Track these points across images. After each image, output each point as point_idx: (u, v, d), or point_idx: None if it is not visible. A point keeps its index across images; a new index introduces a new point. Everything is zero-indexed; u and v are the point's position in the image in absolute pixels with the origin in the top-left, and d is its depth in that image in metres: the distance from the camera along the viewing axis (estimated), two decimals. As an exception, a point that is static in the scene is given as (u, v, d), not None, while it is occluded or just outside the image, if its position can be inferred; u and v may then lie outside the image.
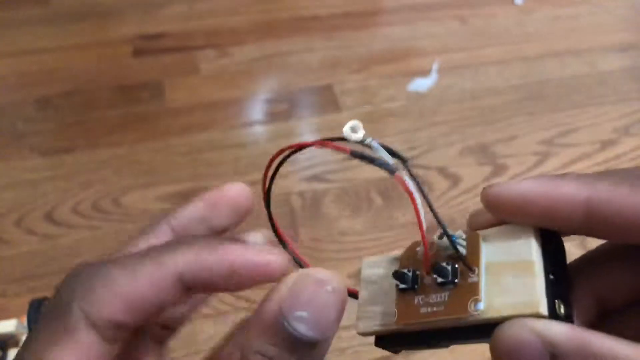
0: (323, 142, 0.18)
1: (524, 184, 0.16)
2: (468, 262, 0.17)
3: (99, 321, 0.15)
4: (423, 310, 0.17)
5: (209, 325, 0.48)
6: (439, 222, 0.18)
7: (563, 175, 0.17)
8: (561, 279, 0.17)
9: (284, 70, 0.77)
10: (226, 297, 0.50)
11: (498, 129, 0.68)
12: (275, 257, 0.17)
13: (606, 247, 0.19)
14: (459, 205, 0.58)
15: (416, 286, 0.18)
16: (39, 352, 0.15)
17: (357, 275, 0.52)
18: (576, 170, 0.62)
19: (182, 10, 0.87)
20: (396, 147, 0.67)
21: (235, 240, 0.18)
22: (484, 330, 0.16)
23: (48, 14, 0.85)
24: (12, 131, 0.67)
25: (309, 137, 0.67)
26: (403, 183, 0.18)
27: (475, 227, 0.19)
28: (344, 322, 0.54)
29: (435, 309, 0.17)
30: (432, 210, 0.18)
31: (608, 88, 0.74)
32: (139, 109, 0.70)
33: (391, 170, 0.18)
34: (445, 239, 0.18)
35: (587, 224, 0.16)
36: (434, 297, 0.17)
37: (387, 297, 0.19)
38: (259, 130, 0.68)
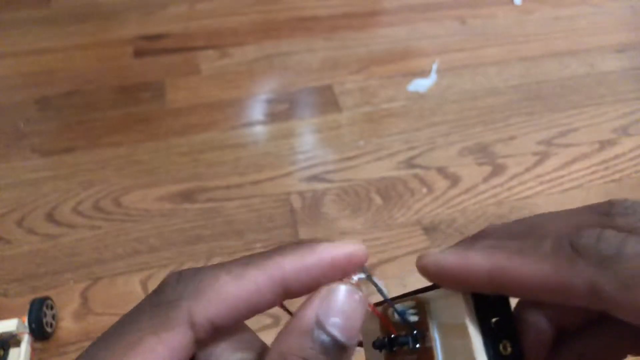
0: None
1: (442, 258, 0.19)
2: (420, 329, 0.20)
3: (200, 320, 0.17)
4: None
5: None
6: (391, 305, 0.20)
7: (474, 243, 0.19)
8: (506, 320, 0.19)
9: (284, 71, 0.77)
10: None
11: (497, 129, 0.68)
12: (360, 245, 0.19)
13: None
14: (459, 205, 0.59)
15: (395, 348, 0.21)
16: (136, 334, 0.16)
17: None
18: (575, 171, 0.63)
19: (182, 11, 0.87)
20: (396, 147, 0.66)
21: (319, 240, 0.19)
22: None
23: (49, 15, 0.86)
24: (13, 131, 0.67)
25: (309, 138, 0.67)
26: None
27: (428, 280, 0.21)
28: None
29: None
30: (381, 293, 0.20)
31: (607, 88, 0.74)
32: (139, 109, 0.70)
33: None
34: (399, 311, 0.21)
35: (494, 289, 0.18)
36: (408, 359, 0.20)
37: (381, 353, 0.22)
38: (259, 130, 0.68)
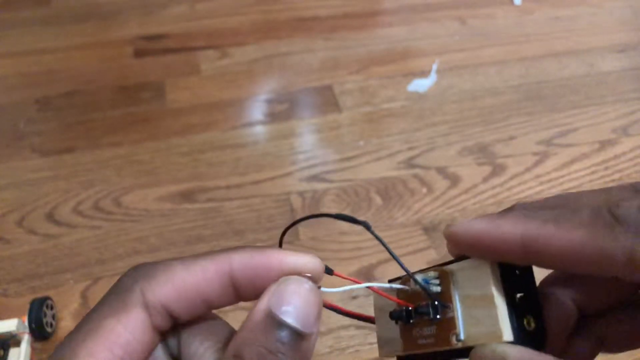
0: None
1: (472, 224, 0.19)
2: (443, 300, 0.20)
3: (152, 302, 0.18)
4: (420, 341, 0.21)
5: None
6: (410, 276, 0.20)
7: (506, 214, 0.19)
8: (531, 295, 0.19)
9: (284, 71, 0.77)
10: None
11: (497, 129, 0.68)
12: (314, 257, 0.19)
13: None
14: (459, 205, 0.59)
15: (412, 320, 0.21)
16: (96, 321, 0.17)
17: (356, 275, 0.52)
18: (575, 171, 0.63)
19: (183, 11, 0.87)
20: (396, 147, 0.66)
21: (279, 248, 0.20)
22: (467, 352, 0.19)
23: (49, 15, 0.86)
24: (13, 131, 0.67)
25: (309, 138, 0.67)
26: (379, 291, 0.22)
27: (451, 253, 0.21)
28: (343, 322, 0.54)
29: (428, 340, 0.20)
30: (401, 265, 0.20)
31: (607, 88, 0.74)
32: (139, 109, 0.70)
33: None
34: (421, 282, 0.21)
35: (525, 258, 0.18)
36: (426, 330, 0.21)
37: (395, 325, 0.22)
38: (259, 130, 0.68)
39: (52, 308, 0.48)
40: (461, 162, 0.64)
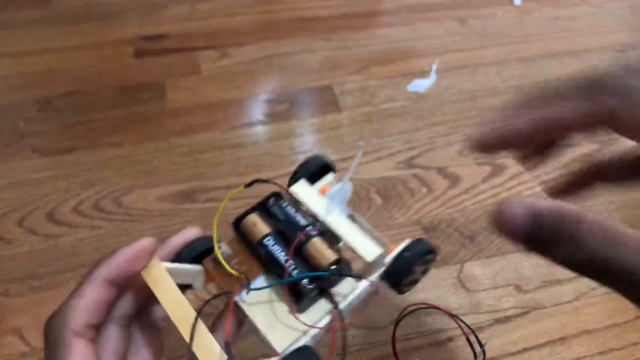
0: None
1: None
2: None
3: (77, 327, 0.27)
4: None
5: (209, 324, 0.48)
6: None
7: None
8: None
9: (284, 71, 0.77)
10: (227, 296, 0.50)
11: (497, 129, 0.68)
12: (146, 239, 0.30)
13: None
14: (459, 205, 0.59)
15: None
16: None
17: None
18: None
19: (183, 11, 0.87)
20: (396, 147, 0.66)
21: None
22: None
23: (49, 15, 0.86)
24: (13, 131, 0.67)
25: (309, 138, 0.67)
26: None
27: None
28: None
29: None
30: None
31: (607, 88, 0.74)
32: (140, 110, 0.70)
33: None
34: None
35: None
36: None
37: None
38: (259, 130, 0.68)
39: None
40: (461, 162, 0.64)
